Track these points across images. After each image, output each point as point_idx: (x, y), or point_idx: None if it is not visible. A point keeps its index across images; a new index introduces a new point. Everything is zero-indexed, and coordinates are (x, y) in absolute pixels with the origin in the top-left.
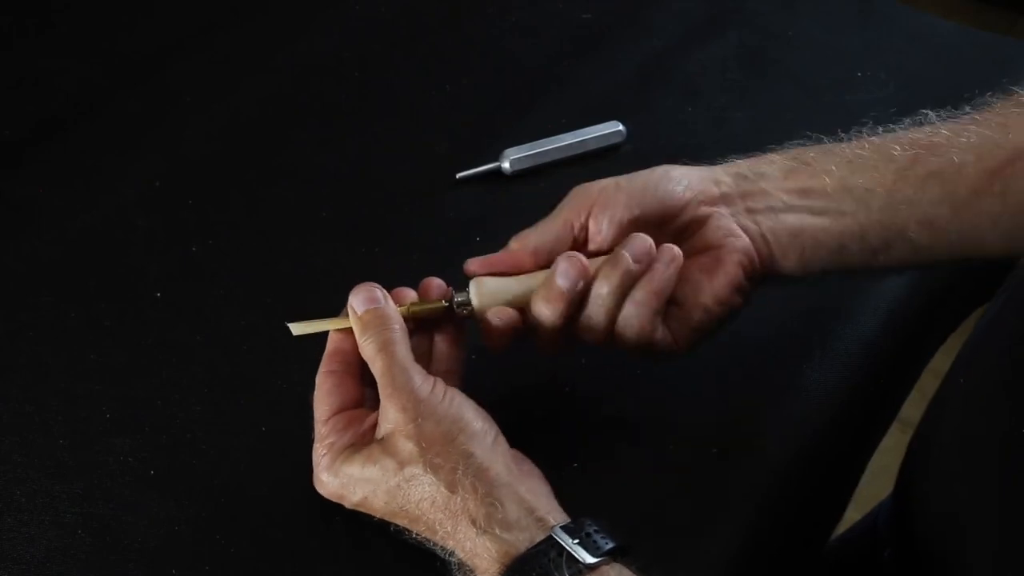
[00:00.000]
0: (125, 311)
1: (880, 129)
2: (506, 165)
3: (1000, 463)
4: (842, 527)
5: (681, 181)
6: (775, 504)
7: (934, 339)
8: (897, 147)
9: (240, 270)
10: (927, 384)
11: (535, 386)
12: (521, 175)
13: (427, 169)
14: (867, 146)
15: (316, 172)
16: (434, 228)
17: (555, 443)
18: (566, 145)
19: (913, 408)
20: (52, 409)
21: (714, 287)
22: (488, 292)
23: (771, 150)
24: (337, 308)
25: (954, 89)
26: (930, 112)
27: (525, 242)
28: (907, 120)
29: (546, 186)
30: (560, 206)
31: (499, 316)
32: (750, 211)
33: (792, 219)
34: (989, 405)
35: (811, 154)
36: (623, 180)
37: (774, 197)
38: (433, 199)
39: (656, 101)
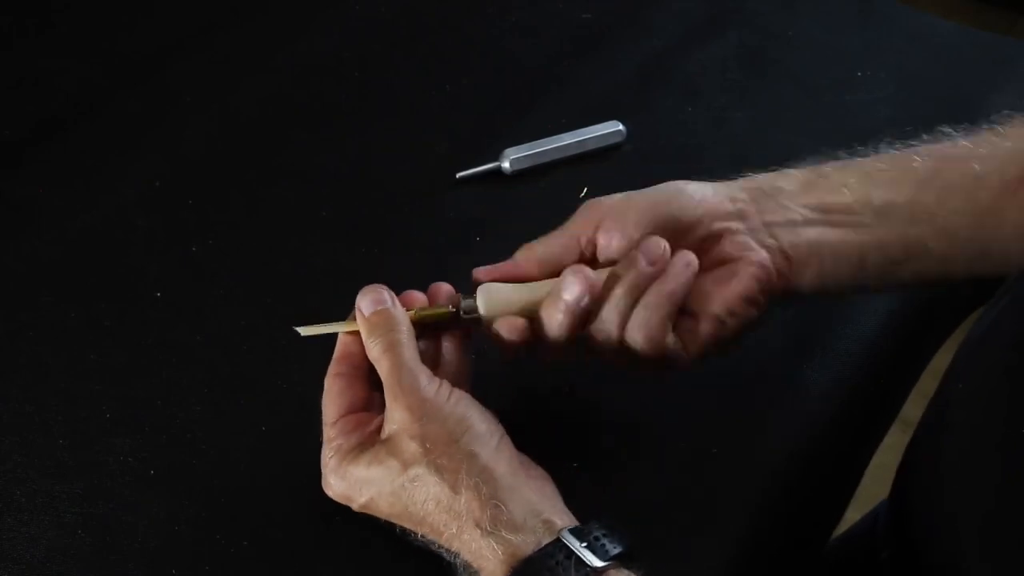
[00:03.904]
0: (125, 311)
1: (898, 143)
2: (506, 165)
3: (1001, 464)
4: (842, 527)
5: (694, 196)
6: (775, 504)
7: (934, 339)
8: (917, 159)
9: (240, 270)
10: (927, 384)
11: (535, 388)
12: (521, 175)
13: (427, 169)
14: (886, 159)
15: (316, 172)
16: (434, 228)
17: (555, 444)
18: (566, 145)
19: (913, 408)
20: (52, 409)
21: (725, 297)
22: (496, 299)
23: (789, 164)
24: (337, 308)
25: (954, 89)
26: (948, 128)
27: (531, 254)
28: (925, 136)
29: (546, 186)
30: (570, 220)
31: (508, 328)
32: (768, 225)
33: (812, 233)
34: (989, 406)
35: (829, 168)
36: (635, 195)
37: (793, 211)
38: (433, 199)
39: (656, 101)
